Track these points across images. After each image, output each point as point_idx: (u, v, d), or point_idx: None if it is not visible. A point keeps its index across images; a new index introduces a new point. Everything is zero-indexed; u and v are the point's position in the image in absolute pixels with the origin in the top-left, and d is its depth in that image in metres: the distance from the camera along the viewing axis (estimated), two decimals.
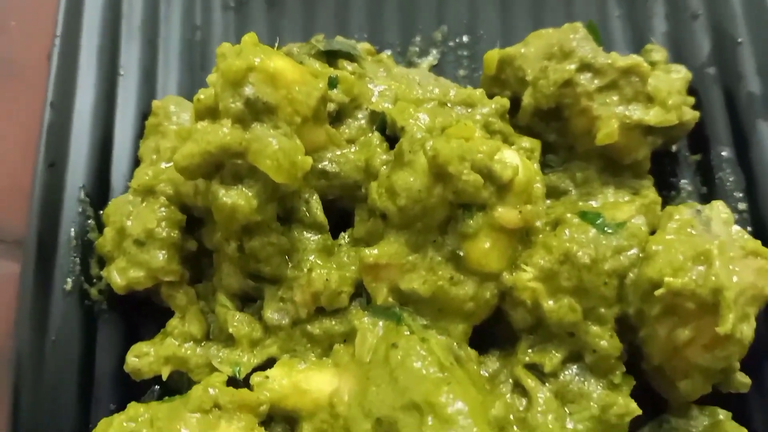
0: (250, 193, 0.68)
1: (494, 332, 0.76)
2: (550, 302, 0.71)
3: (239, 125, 0.67)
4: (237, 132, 0.67)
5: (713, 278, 0.66)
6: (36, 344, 0.73)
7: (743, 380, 0.76)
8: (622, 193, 0.81)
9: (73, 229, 0.77)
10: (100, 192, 0.80)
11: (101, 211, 0.79)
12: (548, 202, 0.82)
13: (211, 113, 0.69)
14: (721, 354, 0.67)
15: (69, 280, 0.76)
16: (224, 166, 0.68)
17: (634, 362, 0.75)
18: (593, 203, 0.81)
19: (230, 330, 0.72)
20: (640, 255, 0.72)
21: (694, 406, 0.75)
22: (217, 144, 0.66)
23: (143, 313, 0.77)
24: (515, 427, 0.69)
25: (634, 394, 0.73)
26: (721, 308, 0.65)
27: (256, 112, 0.67)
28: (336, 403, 0.67)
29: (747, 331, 0.67)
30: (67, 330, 0.74)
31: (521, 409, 0.70)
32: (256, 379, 0.70)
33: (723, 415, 0.74)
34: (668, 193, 0.85)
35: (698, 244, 0.68)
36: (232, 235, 0.70)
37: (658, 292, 0.68)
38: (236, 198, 0.67)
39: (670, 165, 0.87)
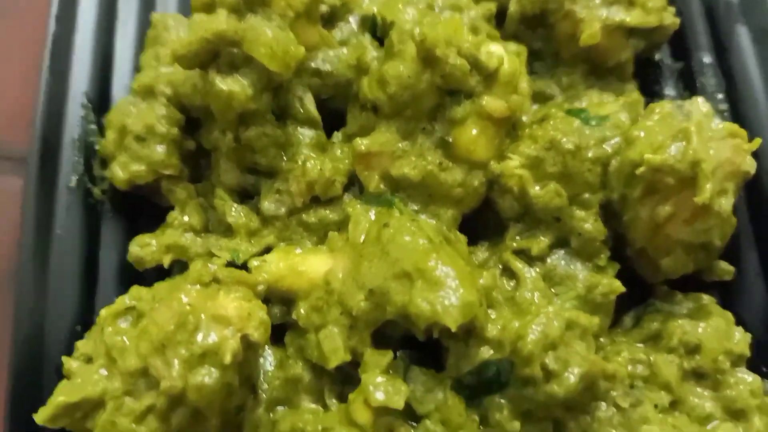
0: (245, 82, 0.71)
1: (483, 224, 0.79)
2: (537, 188, 0.74)
3: (235, 15, 0.70)
4: (233, 21, 0.70)
5: (691, 152, 0.68)
6: (41, 238, 0.75)
7: (726, 268, 0.79)
8: (606, 96, 0.84)
9: (76, 133, 0.80)
10: (102, 101, 0.83)
11: (103, 118, 0.82)
12: (535, 107, 0.85)
13: (208, 8, 0.72)
14: (700, 227, 0.70)
15: (73, 178, 0.78)
16: (220, 55, 0.71)
17: (619, 252, 0.77)
18: (579, 105, 0.84)
19: (228, 220, 0.75)
20: (623, 145, 0.75)
21: (679, 293, 0.78)
22: (213, 31, 0.69)
23: (145, 214, 0.80)
24: (504, 306, 0.72)
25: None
26: (698, 179, 0.68)
27: (251, 3, 0.71)
28: (330, 281, 0.69)
29: (725, 205, 0.69)
30: (71, 225, 0.77)
31: (509, 289, 0.73)
32: (253, 263, 0.72)
33: (707, 299, 0.77)
34: (652, 99, 0.88)
35: (677, 125, 0.71)
36: (228, 125, 0.73)
37: (639, 171, 0.70)
38: (232, 85, 0.70)
39: (654, 73, 0.90)
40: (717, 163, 0.69)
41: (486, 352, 0.66)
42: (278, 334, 0.73)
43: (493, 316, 0.68)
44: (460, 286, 0.64)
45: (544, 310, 0.67)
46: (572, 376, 0.65)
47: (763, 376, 0.75)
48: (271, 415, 0.69)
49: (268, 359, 0.71)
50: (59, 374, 0.68)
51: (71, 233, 0.76)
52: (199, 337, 0.62)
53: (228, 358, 0.62)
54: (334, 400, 0.69)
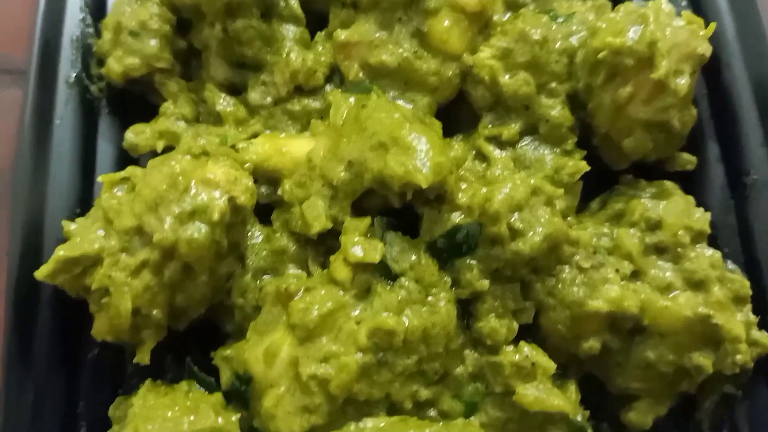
0: None
1: (458, 118, 0.83)
2: (507, 77, 0.79)
3: None
4: None
5: (648, 34, 0.73)
6: (41, 126, 0.79)
7: (688, 158, 0.83)
8: (576, 3, 0.89)
9: (75, 34, 0.84)
10: (99, 7, 0.87)
11: (100, 23, 0.86)
12: (508, 15, 0.90)
13: None
14: (658, 105, 0.74)
15: (72, 74, 0.83)
16: None
17: (585, 144, 0.82)
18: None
19: (217, 108, 0.79)
20: (588, 38, 0.80)
21: (643, 180, 0.83)
22: None
23: (139, 112, 0.84)
24: (474, 182, 0.76)
25: (587, 177, 0.81)
26: (655, 58, 0.72)
27: None
28: (312, 158, 0.74)
29: (681, 85, 0.74)
30: (69, 116, 0.81)
31: (480, 170, 0.78)
32: (240, 145, 0.77)
33: (669, 184, 0.81)
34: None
35: (636, 11, 0.76)
36: (217, 16, 0.78)
37: (601, 55, 0.75)
38: None
39: None
40: (673, 43, 0.73)
41: (457, 217, 0.71)
42: (265, 213, 0.78)
43: (464, 187, 0.73)
44: (431, 150, 0.68)
45: (511, 178, 0.72)
46: (536, 236, 0.70)
47: (723, 258, 0.80)
48: (258, 282, 0.74)
49: (256, 234, 0.76)
50: None
51: (70, 123, 0.81)
52: (189, 197, 0.67)
53: (216, 216, 0.67)
54: (317, 268, 0.74)
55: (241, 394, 0.72)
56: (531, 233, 0.69)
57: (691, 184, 0.83)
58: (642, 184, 0.82)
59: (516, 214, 0.69)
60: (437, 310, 0.69)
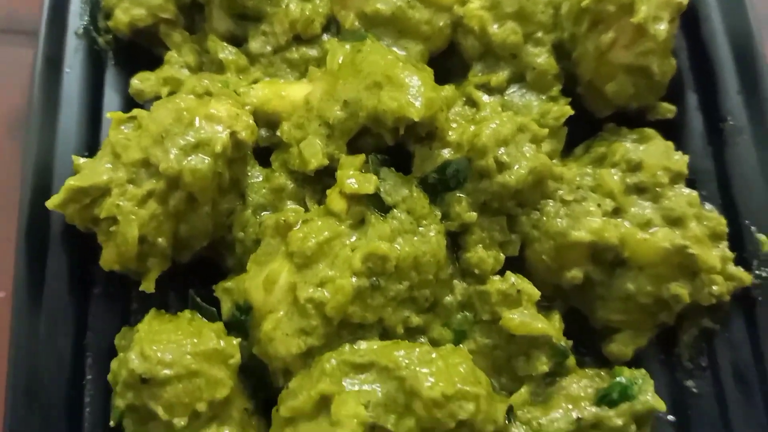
0: None
1: (449, 69, 0.87)
2: (495, 27, 0.83)
3: None
4: None
5: None
6: (51, 73, 0.83)
7: (668, 107, 0.87)
8: None
9: None
10: None
11: None
12: None
13: None
14: (639, 49, 0.79)
15: (80, 25, 0.87)
16: None
17: (570, 93, 0.86)
18: None
19: (220, 56, 0.83)
20: None
21: (625, 127, 0.87)
22: None
23: (144, 64, 0.88)
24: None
25: (572, 127, 0.85)
26: (635, 3, 0.77)
27: None
28: (310, 100, 0.78)
29: (660, 30, 0.78)
30: (78, 65, 0.85)
31: (470, 114, 0.82)
32: (241, 89, 0.81)
33: (650, 131, 0.85)
34: None
35: None
36: None
37: (585, 3, 0.79)
38: None
39: None
40: None
41: (447, 153, 0.75)
42: (264, 157, 0.82)
43: (454, 127, 0.77)
44: (423, 87, 0.73)
45: (498, 116, 0.76)
46: (522, 169, 0.74)
47: (701, 200, 0.83)
48: (258, 217, 0.78)
49: (255, 175, 0.80)
50: None
51: (78, 72, 0.85)
52: (193, 130, 0.71)
53: (218, 148, 0.71)
54: (314, 204, 0.78)
55: (241, 324, 0.75)
56: (517, 166, 0.73)
57: (671, 131, 0.87)
58: (624, 131, 0.85)
59: (503, 149, 0.73)
60: (428, 240, 0.73)
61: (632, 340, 0.79)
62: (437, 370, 0.68)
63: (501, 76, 0.82)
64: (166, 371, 0.69)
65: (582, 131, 0.87)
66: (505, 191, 0.73)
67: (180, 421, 0.70)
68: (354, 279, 0.70)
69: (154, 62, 0.88)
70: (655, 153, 0.81)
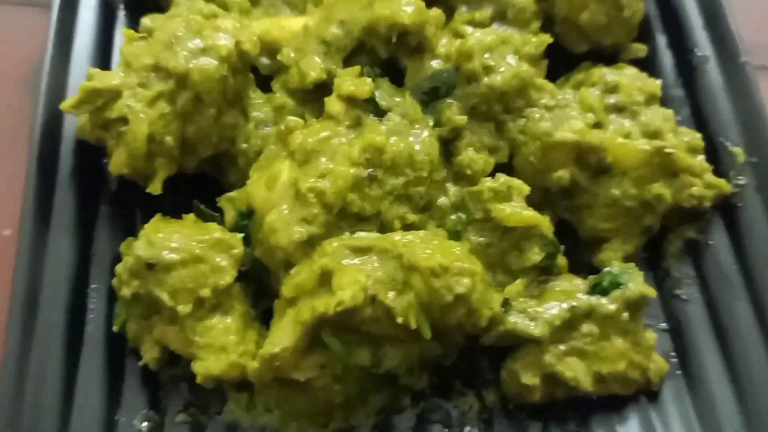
0: None
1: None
2: None
3: None
4: None
5: None
6: (64, 24, 0.89)
7: (640, 46, 0.95)
8: None
9: None
10: None
11: None
12: None
13: None
14: None
15: None
16: None
17: (549, 30, 0.93)
18: None
19: None
20: None
21: (602, 64, 0.93)
22: None
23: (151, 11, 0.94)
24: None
25: (551, 68, 0.91)
26: None
27: None
28: (308, 26, 0.84)
29: None
30: (91, 10, 0.92)
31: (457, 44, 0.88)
32: (243, 22, 0.87)
33: (624, 65, 0.91)
34: None
35: None
36: None
37: None
38: None
39: None
40: None
41: (436, 64, 0.81)
42: (266, 85, 0.87)
43: (443, 42, 0.83)
44: (414, 1, 0.79)
45: (483, 32, 0.82)
46: (507, 72, 0.79)
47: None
48: (260, 131, 0.82)
49: (257, 100, 0.84)
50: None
51: (91, 18, 0.92)
52: (201, 37, 0.77)
53: (224, 52, 0.76)
54: (314, 120, 0.82)
55: (243, 229, 0.78)
56: (502, 69, 0.79)
57: (644, 69, 0.92)
58: (600, 66, 0.92)
59: (488, 54, 0.79)
60: (421, 139, 0.77)
61: (621, 247, 0.82)
62: (434, 247, 0.71)
63: (484, 13, 0.89)
64: (172, 255, 0.71)
65: (560, 71, 0.93)
66: (491, 93, 0.79)
67: (185, 308, 0.71)
68: (353, 169, 0.74)
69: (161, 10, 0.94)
70: (631, 76, 0.87)
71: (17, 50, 1.09)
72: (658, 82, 0.88)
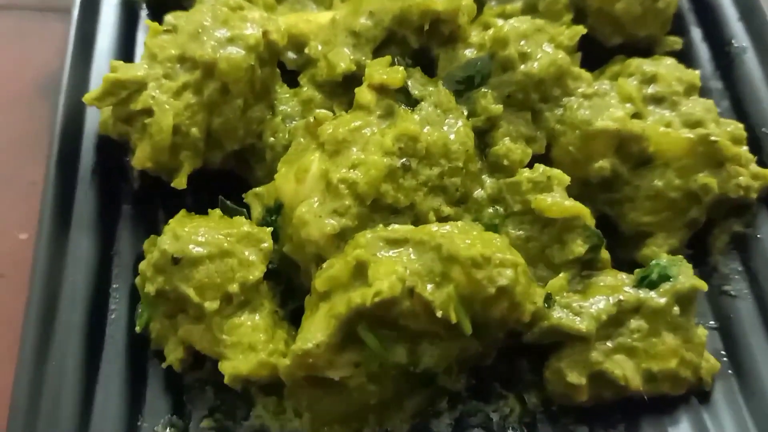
0: None
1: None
2: None
3: None
4: None
5: None
6: (85, 23, 0.88)
7: (675, 39, 0.92)
8: None
9: None
10: None
11: None
12: None
13: None
14: None
15: None
16: None
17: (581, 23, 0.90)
18: None
19: None
20: None
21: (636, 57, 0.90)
22: None
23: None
24: None
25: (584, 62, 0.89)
26: None
27: None
28: (336, 19, 0.82)
29: None
30: (113, 12, 0.91)
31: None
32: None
33: (660, 56, 0.88)
34: None
35: None
36: None
37: None
38: None
39: None
40: None
41: (470, 54, 0.78)
42: (293, 80, 0.84)
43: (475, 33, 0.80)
44: None
45: (517, 20, 0.80)
46: (544, 58, 0.76)
47: None
48: (287, 125, 0.79)
49: (285, 95, 0.82)
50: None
51: (113, 18, 0.90)
52: (228, 28, 0.75)
53: (252, 41, 0.74)
54: (343, 112, 0.79)
55: (271, 226, 0.75)
56: (539, 55, 0.76)
57: (680, 62, 0.90)
58: (635, 57, 0.89)
59: (523, 41, 0.77)
60: (456, 130, 0.74)
61: (665, 242, 0.79)
62: (474, 238, 0.68)
63: (515, 6, 0.87)
64: (199, 249, 0.68)
65: (593, 66, 0.90)
66: (528, 81, 0.76)
67: (211, 305, 0.68)
68: (386, 159, 0.70)
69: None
70: (669, 67, 0.85)
71: (36, 57, 1.08)
72: (697, 72, 0.85)
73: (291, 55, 0.84)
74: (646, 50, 0.91)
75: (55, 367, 0.70)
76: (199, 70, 0.72)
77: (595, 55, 0.89)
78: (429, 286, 0.65)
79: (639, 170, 0.79)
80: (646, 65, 0.84)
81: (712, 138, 0.76)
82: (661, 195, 0.78)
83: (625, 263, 0.79)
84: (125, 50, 0.89)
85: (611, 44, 0.90)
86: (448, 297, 0.65)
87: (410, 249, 0.67)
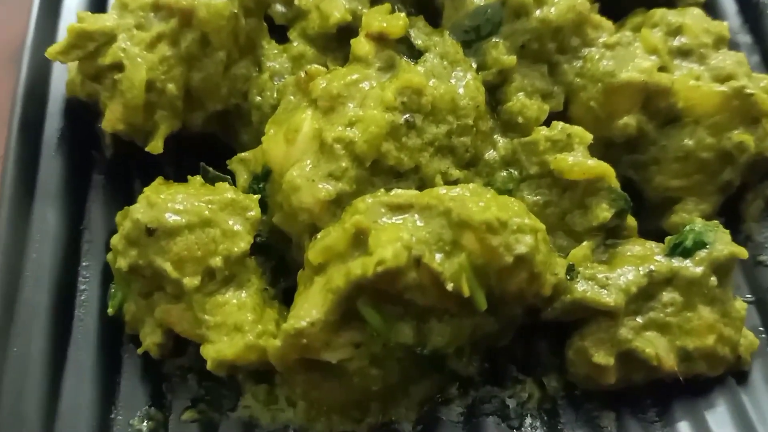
0: None
1: None
2: None
3: None
4: None
5: None
6: None
7: None
8: None
9: None
10: None
11: None
12: None
13: None
14: None
15: None
16: None
17: None
18: None
19: None
20: None
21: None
22: None
23: None
24: None
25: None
26: None
27: None
28: None
29: None
30: None
31: None
32: None
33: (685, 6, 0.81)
34: None
35: None
36: None
37: None
38: None
39: None
40: None
41: (479, 0, 0.71)
42: (282, 35, 0.77)
43: None
44: None
45: None
46: (562, 4, 0.68)
47: None
48: (276, 83, 0.71)
49: (273, 51, 0.74)
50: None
51: None
52: None
53: None
54: (337, 67, 0.72)
55: (259, 194, 0.67)
56: (556, 0, 0.68)
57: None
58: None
59: None
60: (465, 83, 0.67)
61: (696, 207, 0.71)
62: (488, 200, 0.60)
63: None
64: (176, 218, 0.60)
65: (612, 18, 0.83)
66: (544, 28, 0.68)
67: (191, 281, 0.60)
68: (387, 115, 0.63)
69: None
70: (696, 17, 0.77)
71: (2, 30, 1.00)
72: (726, 23, 0.77)
73: (279, 7, 0.76)
74: (669, 3, 0.84)
75: (17, 354, 0.62)
76: (176, 19, 0.64)
77: (612, 6, 0.82)
78: (438, 256, 0.58)
79: (666, 129, 0.71)
80: (671, 16, 0.76)
81: (748, 91, 0.69)
82: (691, 155, 0.70)
83: (649, 235, 0.72)
84: (96, 4, 0.81)
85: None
86: (460, 267, 0.57)
87: (416, 215, 0.60)
